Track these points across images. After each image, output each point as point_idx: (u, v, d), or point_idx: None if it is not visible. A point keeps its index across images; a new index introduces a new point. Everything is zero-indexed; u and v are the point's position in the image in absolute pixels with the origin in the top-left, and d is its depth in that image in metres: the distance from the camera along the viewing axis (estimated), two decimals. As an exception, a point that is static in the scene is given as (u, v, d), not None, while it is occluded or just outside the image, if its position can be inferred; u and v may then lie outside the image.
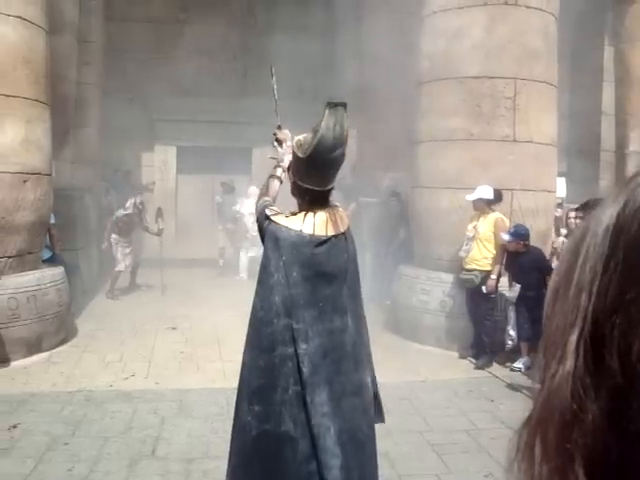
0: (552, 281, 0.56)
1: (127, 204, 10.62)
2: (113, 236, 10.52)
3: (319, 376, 2.92)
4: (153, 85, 14.24)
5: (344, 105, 2.98)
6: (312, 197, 3.09)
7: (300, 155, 3.01)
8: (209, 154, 15.26)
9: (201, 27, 14.79)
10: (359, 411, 3.02)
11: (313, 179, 3.05)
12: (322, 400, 2.91)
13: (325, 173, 3.06)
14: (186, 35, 14.96)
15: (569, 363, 0.50)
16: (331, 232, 3.05)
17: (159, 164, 15.65)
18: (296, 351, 2.93)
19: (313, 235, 3.01)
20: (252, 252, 12.04)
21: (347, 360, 3.03)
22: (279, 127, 3.49)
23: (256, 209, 3.26)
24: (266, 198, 3.25)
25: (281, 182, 3.37)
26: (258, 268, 3.15)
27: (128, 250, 10.57)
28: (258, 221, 3.17)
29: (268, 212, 3.11)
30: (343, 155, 3.05)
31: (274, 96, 3.61)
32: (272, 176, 3.39)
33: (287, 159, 3.29)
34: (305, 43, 14.64)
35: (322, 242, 3.01)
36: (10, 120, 6.66)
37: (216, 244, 13.30)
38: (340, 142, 2.98)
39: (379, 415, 3.30)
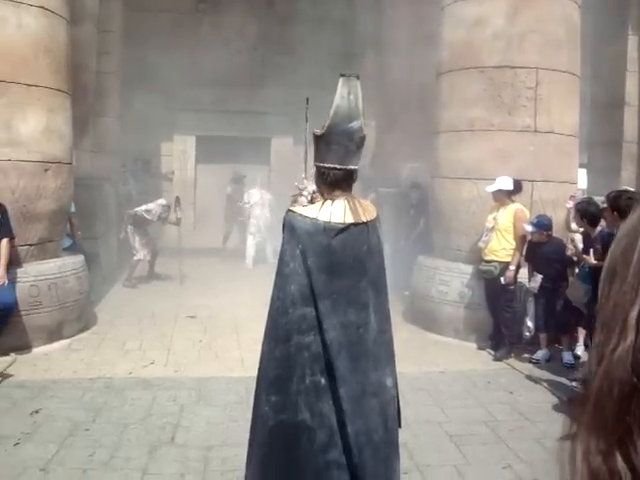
0: (608, 262, 0.57)
1: (151, 207, 10.62)
2: (129, 227, 10.58)
3: (335, 370, 2.90)
4: (172, 75, 14.25)
5: (357, 76, 3.02)
6: (334, 178, 3.04)
7: (319, 133, 3.03)
8: (228, 144, 15.28)
9: (220, 17, 14.77)
10: (375, 412, 2.95)
11: (333, 154, 3.02)
12: (341, 396, 2.88)
13: (345, 147, 3.02)
14: (205, 25, 14.95)
15: (630, 338, 0.51)
16: (349, 220, 2.98)
17: (178, 154, 15.69)
18: (313, 341, 2.90)
19: (329, 223, 2.95)
20: (258, 237, 12.46)
21: (366, 358, 2.96)
22: (304, 177, 3.54)
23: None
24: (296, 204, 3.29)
25: (307, 201, 3.40)
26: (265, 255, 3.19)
27: (145, 240, 10.63)
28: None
29: (290, 207, 3.13)
30: (362, 131, 3.05)
31: (305, 134, 3.60)
32: (299, 194, 3.44)
33: (310, 188, 3.34)
34: (324, 33, 14.59)
35: (339, 231, 2.94)
36: (32, 109, 6.70)
37: (224, 231, 13.81)
38: (356, 112, 3.00)
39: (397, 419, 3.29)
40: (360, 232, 3.00)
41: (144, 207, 10.62)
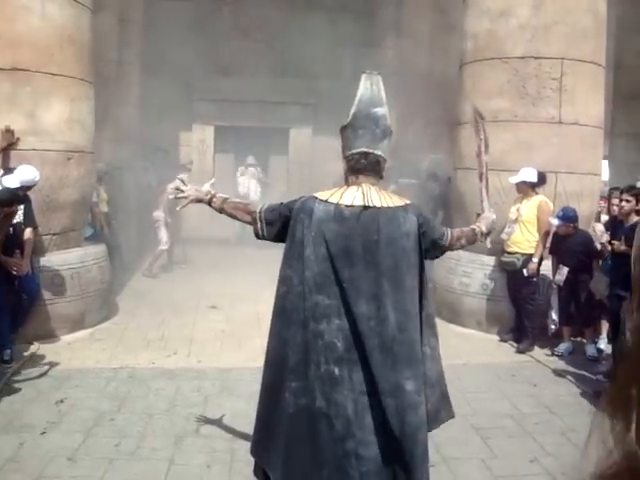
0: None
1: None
2: (160, 214, 10.56)
3: (346, 360, 2.87)
4: (192, 64, 14.25)
5: (378, 73, 3.13)
6: (360, 164, 3.04)
7: (344, 125, 3.07)
8: (247, 134, 15.26)
9: (240, 6, 14.72)
10: (390, 414, 2.83)
11: (360, 139, 3.03)
12: (351, 388, 2.86)
13: (371, 131, 3.03)
14: (226, 14, 14.90)
15: None
16: (359, 202, 2.94)
17: (197, 143, 15.67)
18: (325, 329, 2.88)
19: (338, 206, 2.94)
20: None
21: (380, 354, 2.86)
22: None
23: (254, 221, 3.27)
24: (259, 205, 3.37)
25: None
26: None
27: (167, 228, 10.65)
28: (262, 222, 3.22)
29: (286, 202, 3.18)
30: (386, 119, 3.07)
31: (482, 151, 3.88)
32: (224, 203, 3.62)
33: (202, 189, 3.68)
34: (344, 23, 14.52)
35: (348, 214, 2.92)
36: (56, 99, 6.71)
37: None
38: (379, 100, 3.06)
39: (448, 411, 3.26)
40: (371, 221, 2.92)
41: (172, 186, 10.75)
